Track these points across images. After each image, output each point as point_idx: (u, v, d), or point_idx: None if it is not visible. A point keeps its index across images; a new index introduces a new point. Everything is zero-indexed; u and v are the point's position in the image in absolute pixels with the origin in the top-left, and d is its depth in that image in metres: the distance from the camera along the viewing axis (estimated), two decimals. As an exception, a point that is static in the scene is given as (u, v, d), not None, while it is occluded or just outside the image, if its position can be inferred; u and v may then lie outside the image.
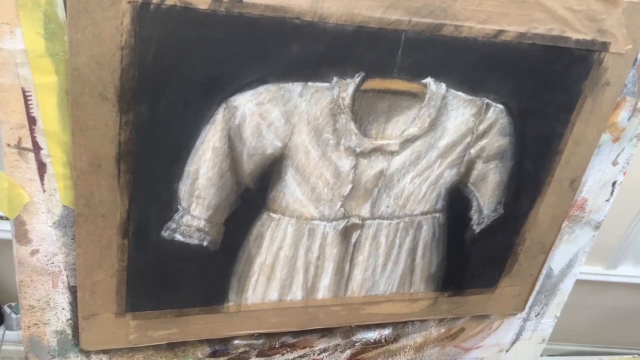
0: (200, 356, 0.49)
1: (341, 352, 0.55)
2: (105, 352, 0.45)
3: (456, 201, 0.46)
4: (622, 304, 1.63)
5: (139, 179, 0.37)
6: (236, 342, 0.50)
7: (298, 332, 0.51)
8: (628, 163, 0.52)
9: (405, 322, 0.56)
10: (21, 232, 0.38)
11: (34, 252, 0.39)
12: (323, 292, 0.48)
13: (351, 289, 0.49)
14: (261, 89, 0.37)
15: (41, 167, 0.36)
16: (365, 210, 0.44)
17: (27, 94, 0.33)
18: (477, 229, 0.49)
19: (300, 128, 0.39)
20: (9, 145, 0.34)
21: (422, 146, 0.43)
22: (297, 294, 0.47)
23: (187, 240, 0.41)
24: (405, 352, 0.59)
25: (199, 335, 0.47)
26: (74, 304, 0.42)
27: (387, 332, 0.56)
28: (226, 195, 0.40)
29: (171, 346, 0.47)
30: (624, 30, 0.41)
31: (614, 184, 0.53)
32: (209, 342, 0.49)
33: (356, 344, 0.55)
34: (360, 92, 0.39)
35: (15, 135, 0.34)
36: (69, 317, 0.43)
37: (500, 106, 0.43)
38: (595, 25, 0.40)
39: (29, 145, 0.35)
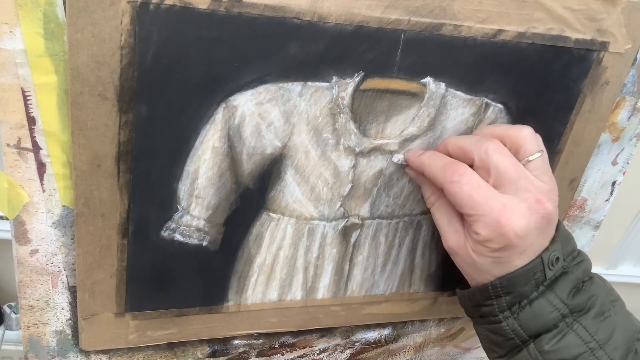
0: (200, 356, 0.49)
1: (341, 352, 0.55)
2: (104, 352, 0.45)
3: (456, 201, 0.46)
4: (622, 304, 1.63)
5: (139, 179, 0.37)
6: (236, 342, 0.50)
7: (298, 332, 0.51)
8: (628, 163, 0.52)
9: (405, 322, 0.56)
10: (20, 232, 0.38)
11: (33, 252, 0.39)
12: (323, 292, 0.48)
13: (351, 289, 0.49)
14: (261, 88, 0.37)
15: (41, 167, 0.36)
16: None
17: (26, 94, 0.33)
18: (476, 228, 0.49)
19: (300, 128, 0.39)
20: (8, 145, 0.34)
21: (421, 145, 0.43)
22: (296, 293, 0.47)
23: (187, 240, 0.41)
24: (405, 352, 0.59)
25: (199, 335, 0.47)
26: (73, 304, 0.42)
27: (387, 332, 0.56)
28: (226, 195, 0.40)
29: (171, 346, 0.47)
30: (623, 30, 0.41)
31: (613, 183, 0.53)
32: (209, 342, 0.49)
33: (356, 344, 0.55)
34: (360, 91, 0.39)
35: (14, 135, 0.34)
36: (68, 317, 0.43)
37: (500, 105, 0.43)
38: (594, 24, 0.41)
39: (29, 145, 0.35)
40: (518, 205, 0.35)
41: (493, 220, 0.34)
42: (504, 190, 0.35)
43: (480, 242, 0.36)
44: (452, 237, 0.38)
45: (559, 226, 0.39)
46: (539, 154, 0.37)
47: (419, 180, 0.42)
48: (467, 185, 0.35)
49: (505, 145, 0.37)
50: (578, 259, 0.40)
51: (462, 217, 0.38)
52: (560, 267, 0.38)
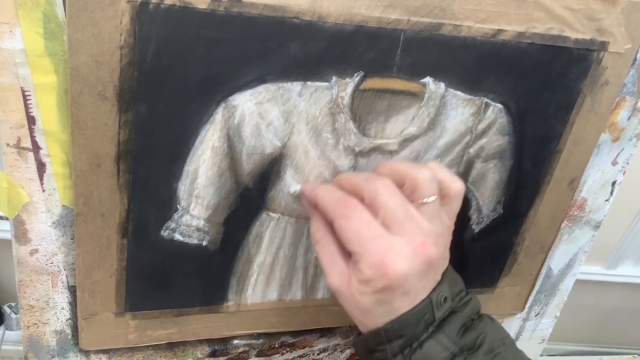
0: (199, 356, 0.49)
1: (341, 352, 0.55)
2: (104, 351, 0.45)
3: (455, 201, 0.46)
4: (622, 304, 1.63)
5: (139, 179, 0.37)
6: (236, 341, 0.50)
7: (297, 332, 0.51)
8: (628, 163, 0.52)
9: (405, 322, 0.56)
10: (20, 231, 0.38)
11: (33, 252, 0.39)
12: (322, 291, 0.48)
13: (351, 289, 0.49)
14: (260, 88, 0.37)
15: (40, 167, 0.36)
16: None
17: (26, 93, 0.33)
18: (476, 228, 0.49)
19: (300, 127, 0.39)
20: (8, 144, 0.34)
21: (421, 145, 0.43)
22: (296, 293, 0.47)
23: (187, 239, 0.41)
24: (405, 352, 0.59)
25: (199, 335, 0.47)
26: (73, 304, 0.42)
27: (386, 331, 0.56)
28: (225, 195, 0.40)
29: (171, 346, 0.47)
30: (623, 30, 0.41)
31: (613, 183, 0.53)
32: (209, 341, 0.49)
33: (356, 344, 0.55)
34: (360, 91, 0.39)
35: (14, 134, 0.34)
36: (68, 317, 0.43)
37: (499, 105, 0.43)
38: (594, 24, 0.41)
39: (29, 144, 0.35)
40: (403, 247, 0.34)
41: (377, 259, 0.34)
42: (392, 230, 0.35)
43: (363, 282, 0.35)
44: (336, 277, 0.37)
45: (447, 268, 0.39)
46: (434, 198, 0.37)
47: (310, 213, 0.41)
48: (356, 221, 0.35)
49: (403, 184, 0.37)
50: (466, 298, 0.40)
51: (347, 258, 0.38)
52: (449, 307, 0.38)
